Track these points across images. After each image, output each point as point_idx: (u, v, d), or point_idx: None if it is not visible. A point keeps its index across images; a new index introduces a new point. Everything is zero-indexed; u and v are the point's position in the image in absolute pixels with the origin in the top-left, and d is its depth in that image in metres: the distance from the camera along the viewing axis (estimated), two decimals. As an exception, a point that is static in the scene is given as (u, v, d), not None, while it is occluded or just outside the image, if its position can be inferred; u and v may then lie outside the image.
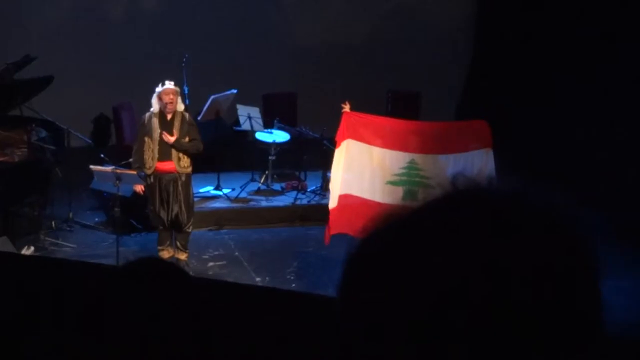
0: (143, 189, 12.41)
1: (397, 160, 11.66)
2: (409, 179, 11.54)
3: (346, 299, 1.39)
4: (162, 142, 12.25)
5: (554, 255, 1.31)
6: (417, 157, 11.60)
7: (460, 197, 1.39)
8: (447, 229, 1.33)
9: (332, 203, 11.61)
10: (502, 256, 1.28)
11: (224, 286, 6.47)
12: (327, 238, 11.69)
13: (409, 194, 11.25)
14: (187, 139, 12.33)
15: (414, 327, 1.29)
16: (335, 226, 11.45)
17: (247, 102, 15.44)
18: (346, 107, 11.81)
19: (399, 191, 11.48)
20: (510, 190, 1.38)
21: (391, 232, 1.38)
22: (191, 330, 2.61)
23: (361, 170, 11.62)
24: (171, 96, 12.22)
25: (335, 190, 11.67)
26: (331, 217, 11.57)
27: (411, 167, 11.58)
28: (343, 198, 11.55)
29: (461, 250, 1.29)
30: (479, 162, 11.26)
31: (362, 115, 11.88)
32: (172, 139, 12.20)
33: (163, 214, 12.48)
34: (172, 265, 2.89)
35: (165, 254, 12.59)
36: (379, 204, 11.19)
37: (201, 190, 14.64)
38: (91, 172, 12.68)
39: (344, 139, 11.60)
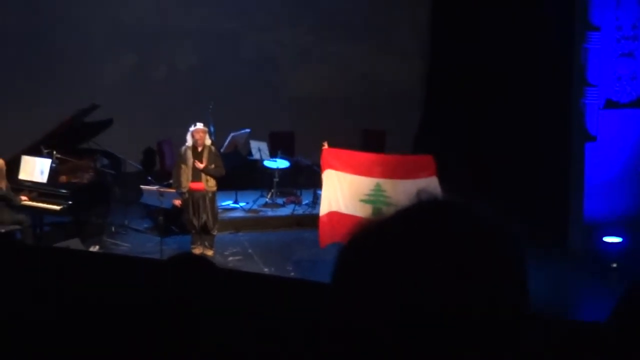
0: (180, 202, 12.49)
1: (366, 184, 11.53)
2: (376, 199, 11.39)
3: (335, 293, 1.33)
4: (194, 168, 12.38)
5: (493, 254, 1.29)
6: (382, 182, 11.47)
7: (424, 207, 1.36)
8: (414, 232, 1.29)
9: (321, 214, 11.57)
10: (452, 254, 1.26)
11: (241, 274, 6.44)
12: (321, 243, 11.62)
13: (376, 211, 10.96)
14: (213, 166, 12.45)
15: (389, 321, 1.24)
16: (326, 238, 11.37)
17: (257, 138, 15.51)
18: (325, 145, 11.77)
19: (369, 208, 11.28)
20: (458, 202, 1.36)
21: (368, 237, 1.34)
22: (219, 305, 2.70)
23: (340, 192, 11.50)
24: (200, 134, 12.41)
25: (322, 207, 11.63)
26: (321, 229, 11.48)
27: (377, 189, 11.46)
28: (329, 215, 11.46)
29: (427, 252, 1.26)
30: (427, 187, 11.05)
31: (337, 150, 11.79)
32: (201, 166, 12.35)
33: (195, 221, 12.55)
34: (203, 258, 3.09)
35: (197, 250, 12.57)
36: (356, 217, 10.90)
37: (223, 203, 14.56)
38: (141, 190, 12.74)
39: (324, 169, 11.54)
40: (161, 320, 2.63)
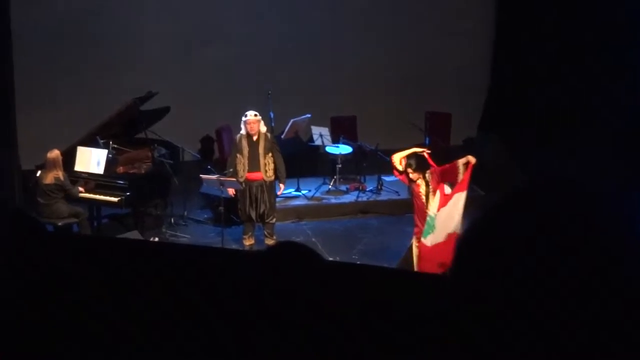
0: (234, 192, 11.97)
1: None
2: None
3: (458, 273, 1.38)
4: (251, 156, 11.95)
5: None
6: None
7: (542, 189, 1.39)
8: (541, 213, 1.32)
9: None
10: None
11: (348, 265, 6.29)
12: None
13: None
14: (270, 154, 12.02)
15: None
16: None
17: (319, 124, 14.94)
18: (425, 153, 10.01)
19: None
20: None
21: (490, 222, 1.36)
22: (330, 299, 2.47)
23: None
24: (252, 125, 11.93)
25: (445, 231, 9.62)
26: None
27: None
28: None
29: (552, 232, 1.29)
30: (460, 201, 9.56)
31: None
32: (282, 188, 12.52)
33: (251, 212, 12.11)
34: (308, 248, 2.67)
35: (247, 242, 12.32)
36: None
37: (285, 191, 14.04)
38: (201, 180, 12.29)
39: (465, 188, 9.66)
40: (267, 314, 2.38)
